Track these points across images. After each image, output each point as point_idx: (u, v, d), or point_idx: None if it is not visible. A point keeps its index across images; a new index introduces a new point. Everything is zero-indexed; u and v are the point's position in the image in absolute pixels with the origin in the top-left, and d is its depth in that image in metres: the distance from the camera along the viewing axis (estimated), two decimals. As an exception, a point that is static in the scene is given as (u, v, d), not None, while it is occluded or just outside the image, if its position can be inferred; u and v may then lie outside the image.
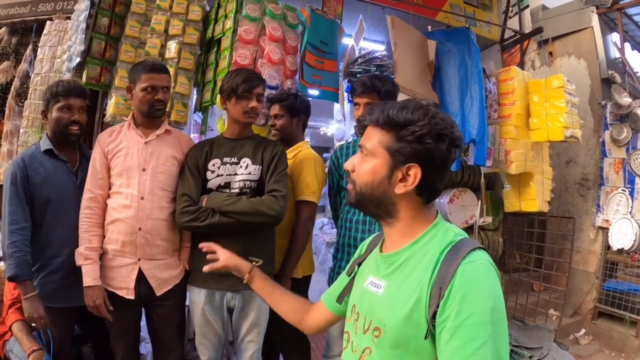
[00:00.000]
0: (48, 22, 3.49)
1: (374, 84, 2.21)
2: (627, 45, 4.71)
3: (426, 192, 1.00)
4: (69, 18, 3.31)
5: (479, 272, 0.89)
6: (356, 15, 3.16)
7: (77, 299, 2.01)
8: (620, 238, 4.04)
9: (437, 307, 0.87)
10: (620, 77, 4.37)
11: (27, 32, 3.85)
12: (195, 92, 2.83)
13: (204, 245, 1.49)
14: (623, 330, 3.99)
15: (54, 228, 2.03)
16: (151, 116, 2.05)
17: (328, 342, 2.37)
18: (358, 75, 2.79)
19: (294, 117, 2.47)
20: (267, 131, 2.66)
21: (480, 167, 3.22)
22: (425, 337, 0.89)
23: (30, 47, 3.70)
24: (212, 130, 3.22)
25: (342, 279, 1.25)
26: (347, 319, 1.12)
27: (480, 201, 3.20)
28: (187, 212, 1.93)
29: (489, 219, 3.24)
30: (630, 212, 4.08)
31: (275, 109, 2.44)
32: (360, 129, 1.09)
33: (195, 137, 3.71)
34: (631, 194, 4.11)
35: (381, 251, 1.09)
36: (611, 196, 4.23)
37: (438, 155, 0.96)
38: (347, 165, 1.07)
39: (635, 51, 4.89)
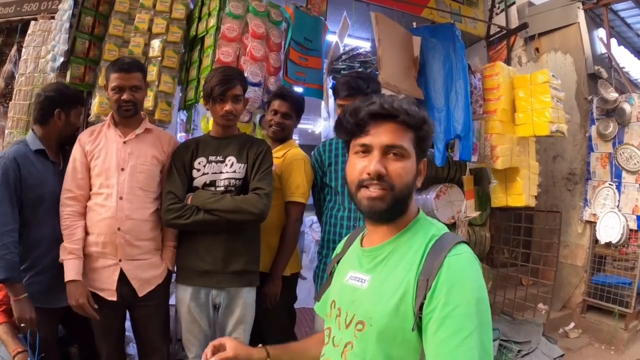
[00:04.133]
0: (32, 22, 3.47)
1: (359, 85, 2.19)
2: (614, 41, 4.75)
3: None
4: (53, 18, 3.29)
5: (465, 264, 0.90)
6: (341, 12, 3.16)
7: (63, 299, 1.99)
8: (608, 232, 4.08)
9: (424, 298, 0.88)
10: (607, 73, 4.41)
11: (12, 32, 3.83)
12: (179, 90, 2.82)
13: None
14: (612, 323, 4.03)
15: (42, 228, 2.02)
16: (121, 116, 2.04)
17: None
18: (342, 72, 2.79)
19: (299, 118, 2.47)
20: (252, 128, 2.66)
21: (467, 163, 3.22)
22: (413, 329, 0.89)
23: (15, 47, 3.68)
24: (197, 128, 3.21)
25: (325, 279, 1.24)
26: (327, 315, 1.11)
27: (463, 196, 3.22)
28: (172, 209, 1.94)
29: (475, 214, 3.25)
30: (618, 206, 4.12)
31: (285, 107, 2.36)
32: (356, 125, 1.01)
33: (182, 137, 3.70)
34: (618, 188, 4.15)
35: (362, 246, 1.09)
36: (598, 190, 4.27)
37: (428, 146, 1.07)
38: (375, 169, 0.96)
39: (622, 47, 4.93)
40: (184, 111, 2.88)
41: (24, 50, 3.38)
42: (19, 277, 1.90)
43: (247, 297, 2.05)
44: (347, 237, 1.25)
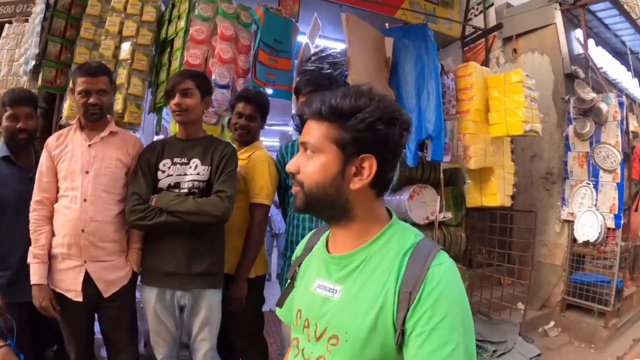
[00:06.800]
0: (6, 25, 3.46)
1: (322, 82, 2.21)
2: (592, 42, 4.80)
3: (380, 184, 0.94)
4: (27, 21, 3.28)
5: (449, 274, 0.87)
6: (313, 13, 3.17)
7: (27, 293, 2.02)
8: (586, 231, 4.12)
9: (407, 311, 0.84)
10: (584, 73, 4.45)
11: (-11, 35, 3.82)
12: (149, 93, 2.82)
13: None
14: (592, 321, 4.07)
15: (8, 229, 2.10)
16: (87, 119, 2.06)
17: (282, 341, 2.37)
18: (313, 73, 2.80)
19: (264, 119, 2.47)
20: (220, 130, 2.66)
21: (440, 163, 3.23)
22: (396, 344, 0.85)
23: (-10, 50, 3.66)
24: (167, 130, 3.20)
25: (287, 283, 1.18)
26: (293, 325, 1.05)
27: (439, 197, 3.22)
28: (136, 210, 1.95)
29: (449, 215, 3.25)
30: (595, 205, 4.15)
31: (250, 109, 2.36)
32: (301, 124, 0.99)
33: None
34: (595, 186, 4.19)
35: (328, 252, 1.01)
36: (576, 189, 4.30)
37: (392, 141, 0.90)
38: (290, 166, 0.96)
39: (599, 47, 4.97)
40: (155, 114, 2.87)
41: (-2, 53, 3.38)
42: None
43: (211, 299, 2.06)
44: (307, 238, 1.17)
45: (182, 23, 2.66)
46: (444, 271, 0.86)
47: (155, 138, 3.54)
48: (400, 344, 0.85)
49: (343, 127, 0.90)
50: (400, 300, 0.85)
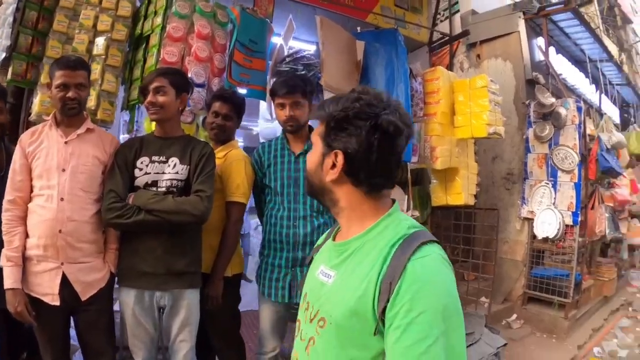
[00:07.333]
0: (-26, 16, 3.37)
1: (297, 84, 2.25)
2: (552, 49, 5.06)
3: (364, 182, 0.99)
4: (-4, 11, 3.20)
5: (430, 268, 0.87)
6: (287, 14, 3.22)
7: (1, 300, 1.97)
8: (545, 228, 4.35)
9: (387, 302, 0.85)
10: (544, 79, 4.69)
11: (-46, 26, 3.69)
12: (122, 90, 2.79)
13: None
14: (552, 313, 4.31)
15: None
16: (64, 115, 2.00)
17: (260, 339, 2.37)
18: (287, 74, 2.86)
19: (240, 118, 2.49)
20: (195, 129, 2.68)
21: (408, 163, 3.36)
22: (375, 333, 0.87)
23: (-44, 42, 3.55)
24: (140, 129, 3.18)
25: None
26: (300, 306, 1.11)
27: (407, 196, 3.34)
28: (113, 208, 1.91)
29: (416, 213, 3.38)
30: (554, 203, 4.39)
31: (226, 109, 2.38)
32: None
33: (124, 138, 3.65)
34: (554, 186, 4.43)
35: (334, 240, 1.09)
36: (535, 189, 4.54)
37: (357, 139, 0.95)
38: None
39: (560, 55, 5.25)
40: (127, 111, 2.86)
41: (-36, 45, 3.27)
42: None
43: (191, 299, 2.06)
44: (331, 228, 1.23)
45: (158, 20, 2.64)
46: (425, 264, 0.87)
47: (122, 136, 3.53)
48: (380, 335, 0.87)
49: (327, 127, 1.01)
50: (381, 291, 0.87)
